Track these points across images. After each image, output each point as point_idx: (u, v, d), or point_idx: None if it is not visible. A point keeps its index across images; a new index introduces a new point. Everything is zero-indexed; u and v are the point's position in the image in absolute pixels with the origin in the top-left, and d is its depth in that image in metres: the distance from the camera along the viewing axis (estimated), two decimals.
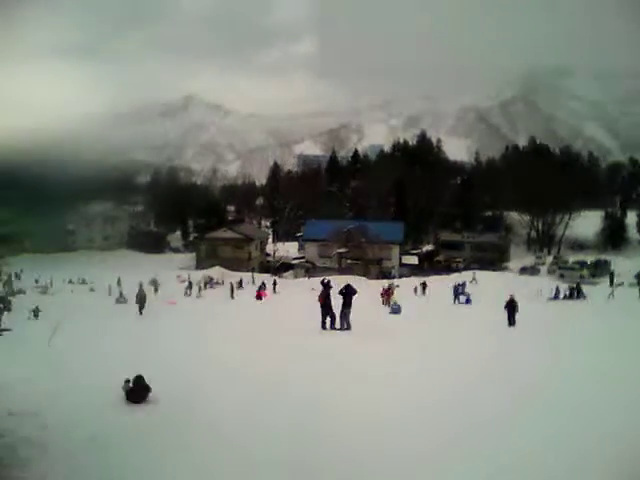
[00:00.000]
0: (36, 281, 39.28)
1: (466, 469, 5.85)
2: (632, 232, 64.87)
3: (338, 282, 19.31)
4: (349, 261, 49.63)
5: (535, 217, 67.40)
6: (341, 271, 46.56)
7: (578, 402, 8.28)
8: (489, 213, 73.03)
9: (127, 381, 8.19)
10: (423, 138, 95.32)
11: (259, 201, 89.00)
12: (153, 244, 66.61)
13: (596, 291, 34.27)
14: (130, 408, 7.81)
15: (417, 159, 77.87)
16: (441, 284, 37.59)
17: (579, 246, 64.20)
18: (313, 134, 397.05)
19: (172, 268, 51.45)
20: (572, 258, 54.87)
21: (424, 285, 35.92)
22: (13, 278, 34.90)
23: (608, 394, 8.77)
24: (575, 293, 32.11)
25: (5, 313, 17.58)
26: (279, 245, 64.57)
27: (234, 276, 44.32)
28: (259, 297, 32.20)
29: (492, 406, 8.01)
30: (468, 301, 29.80)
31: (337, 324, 15.89)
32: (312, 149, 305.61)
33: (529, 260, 57.36)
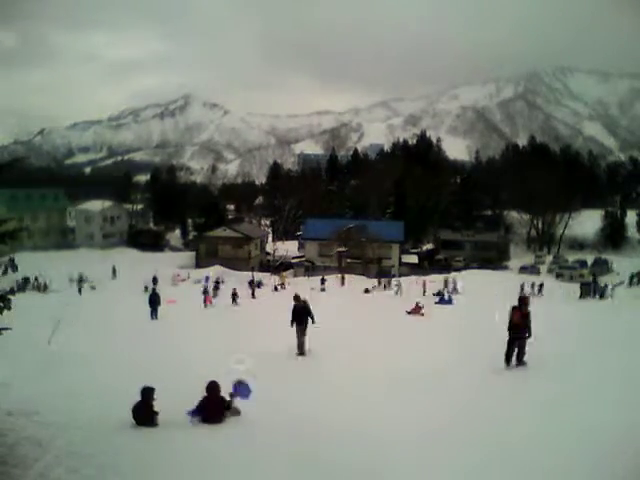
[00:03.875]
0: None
1: None
2: (632, 231, 64.83)
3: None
4: (349, 260, 49.50)
5: (535, 216, 67.29)
6: (341, 270, 46.50)
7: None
8: (489, 212, 73.00)
9: None
10: (423, 137, 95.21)
11: (259, 200, 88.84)
12: (153, 242, 66.53)
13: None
14: None
15: (417, 158, 77.76)
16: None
17: (579, 245, 64.21)
18: (313, 133, 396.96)
19: (172, 266, 51.30)
20: (572, 257, 54.85)
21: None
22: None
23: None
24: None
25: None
26: (279, 244, 64.46)
27: (235, 275, 44.21)
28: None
29: None
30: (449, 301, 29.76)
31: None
32: (312, 148, 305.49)
33: (529, 259, 57.35)
